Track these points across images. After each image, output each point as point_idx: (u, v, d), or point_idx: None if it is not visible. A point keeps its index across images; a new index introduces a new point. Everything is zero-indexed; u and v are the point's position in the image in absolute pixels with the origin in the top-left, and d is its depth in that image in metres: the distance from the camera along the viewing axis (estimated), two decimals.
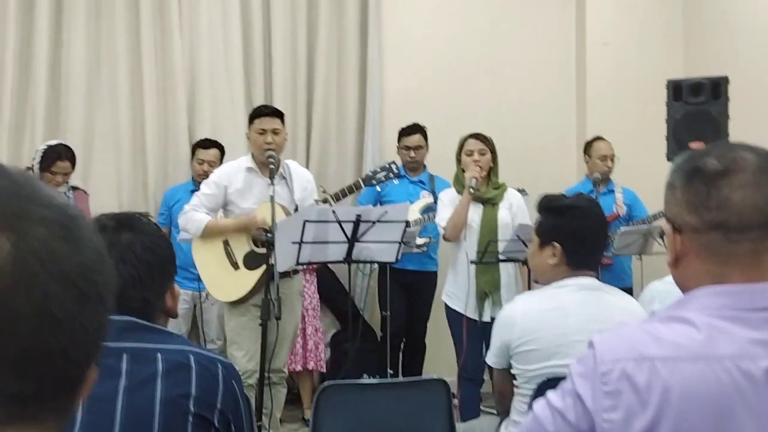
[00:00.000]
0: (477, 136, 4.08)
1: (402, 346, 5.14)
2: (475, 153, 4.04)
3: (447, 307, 4.14)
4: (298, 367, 4.93)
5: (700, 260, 1.26)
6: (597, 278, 2.46)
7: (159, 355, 1.46)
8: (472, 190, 3.93)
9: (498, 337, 2.45)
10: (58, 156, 4.50)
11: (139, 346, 1.46)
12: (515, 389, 2.50)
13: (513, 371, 2.46)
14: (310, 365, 4.98)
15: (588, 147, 5.14)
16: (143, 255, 1.51)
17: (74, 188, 4.68)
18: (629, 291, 4.90)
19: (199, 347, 1.58)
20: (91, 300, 0.66)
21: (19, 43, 5.05)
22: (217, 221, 3.88)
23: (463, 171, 4.08)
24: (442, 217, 4.06)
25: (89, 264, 0.66)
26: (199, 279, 4.68)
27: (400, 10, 5.63)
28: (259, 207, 3.83)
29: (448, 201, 4.10)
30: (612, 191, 5.05)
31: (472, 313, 4.00)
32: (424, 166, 5.18)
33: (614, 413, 1.19)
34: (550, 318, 2.35)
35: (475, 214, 3.99)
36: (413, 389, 2.51)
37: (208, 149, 4.97)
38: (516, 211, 4.07)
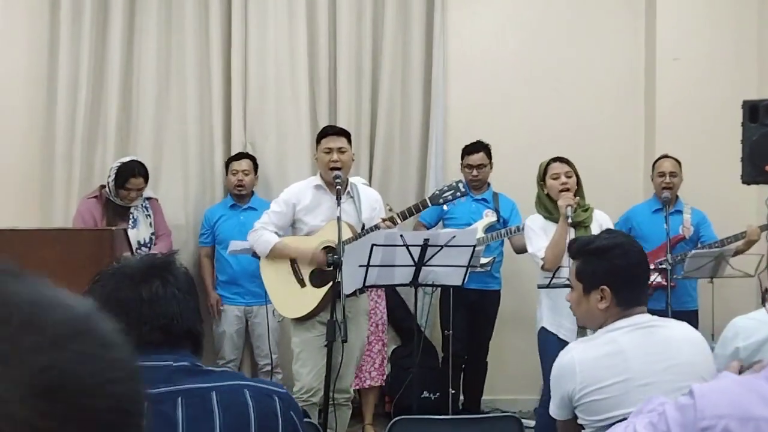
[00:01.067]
0: (561, 159, 4.01)
1: (463, 365, 5.10)
2: (561, 176, 3.96)
3: (544, 331, 4.00)
4: (366, 384, 4.94)
5: None
6: (648, 311, 2.39)
7: (213, 395, 1.44)
8: (570, 219, 3.84)
9: (558, 388, 2.37)
10: (132, 173, 4.61)
11: (192, 387, 1.45)
12: None
13: (580, 422, 2.39)
14: (378, 381, 4.99)
15: (654, 165, 5.05)
16: (189, 289, 1.56)
17: (149, 199, 4.80)
18: (694, 314, 4.79)
19: (251, 379, 1.54)
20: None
21: (93, 60, 5.21)
22: (284, 247, 3.91)
23: (547, 195, 3.99)
24: (538, 246, 3.96)
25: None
26: (249, 294, 4.78)
27: (465, 26, 5.61)
28: (327, 226, 3.86)
29: (539, 229, 4.00)
30: (680, 212, 4.94)
31: (572, 340, 3.88)
32: (488, 184, 5.14)
33: None
34: (610, 364, 2.26)
35: (569, 238, 3.91)
36: (485, 425, 2.47)
37: (239, 160, 5.04)
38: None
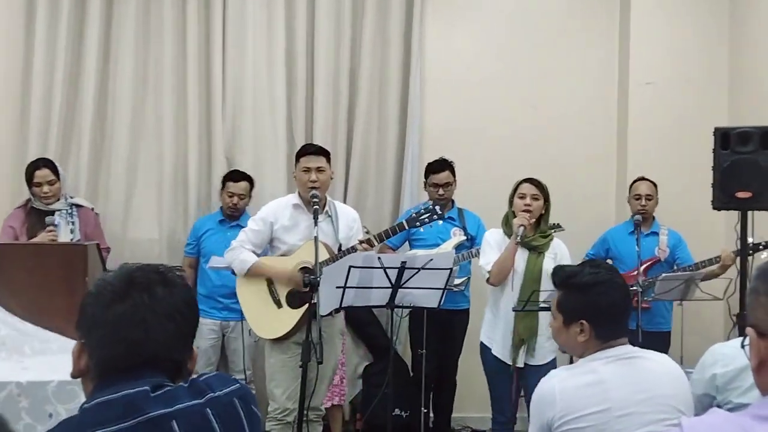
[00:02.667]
0: (531, 181, 4.05)
1: (432, 384, 5.12)
2: (527, 197, 4.01)
3: (483, 347, 4.12)
4: (335, 402, 4.93)
5: None
6: (630, 341, 2.41)
7: (174, 423, 1.38)
8: (518, 239, 3.91)
9: (538, 415, 2.36)
10: (36, 166, 4.53)
11: (153, 415, 1.38)
12: None
13: None
14: (336, 400, 4.99)
15: (630, 187, 5.13)
16: (185, 311, 1.46)
17: (79, 207, 4.66)
18: (667, 335, 4.86)
19: (209, 389, 1.47)
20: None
21: (68, 66, 5.17)
22: (261, 266, 3.92)
23: (514, 214, 4.06)
24: (488, 260, 4.03)
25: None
26: (226, 309, 4.76)
27: (442, 48, 5.66)
28: (303, 246, 3.87)
29: (495, 243, 4.07)
30: (656, 233, 5.01)
31: (504, 357, 3.98)
32: (453, 202, 5.17)
33: None
34: (590, 393, 2.28)
35: (521, 259, 3.96)
36: None
37: (237, 182, 5.01)
38: (560, 261, 4.04)
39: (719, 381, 2.41)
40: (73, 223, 4.59)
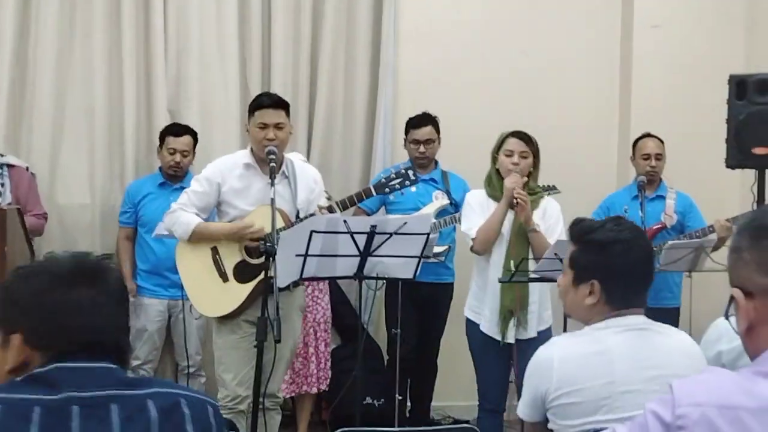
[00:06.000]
0: (519, 135, 3.98)
1: (411, 368, 5.09)
2: (514, 154, 3.95)
3: (469, 323, 4.09)
4: (303, 389, 4.89)
5: None
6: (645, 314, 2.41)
7: (150, 402, 1.50)
8: (513, 201, 3.86)
9: (531, 385, 2.38)
10: None
11: (126, 393, 1.51)
12: None
13: (551, 426, 2.40)
14: (323, 386, 4.96)
15: (634, 146, 5.10)
16: (122, 298, 1.59)
17: (10, 166, 4.58)
18: (675, 312, 4.86)
19: (185, 387, 1.65)
20: None
21: None
22: (207, 225, 3.86)
23: (498, 172, 4.00)
24: (471, 225, 3.98)
25: None
26: (174, 286, 4.66)
27: None
28: (255, 211, 3.79)
29: (477, 206, 4.02)
30: (662, 197, 4.99)
31: (492, 332, 3.96)
32: (436, 162, 5.11)
33: None
34: (593, 365, 2.27)
35: (506, 221, 3.93)
36: None
37: (179, 137, 4.90)
38: (549, 220, 4.01)
39: (725, 358, 2.41)
40: (2, 184, 4.51)
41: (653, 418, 1.27)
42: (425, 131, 4.99)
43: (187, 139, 4.91)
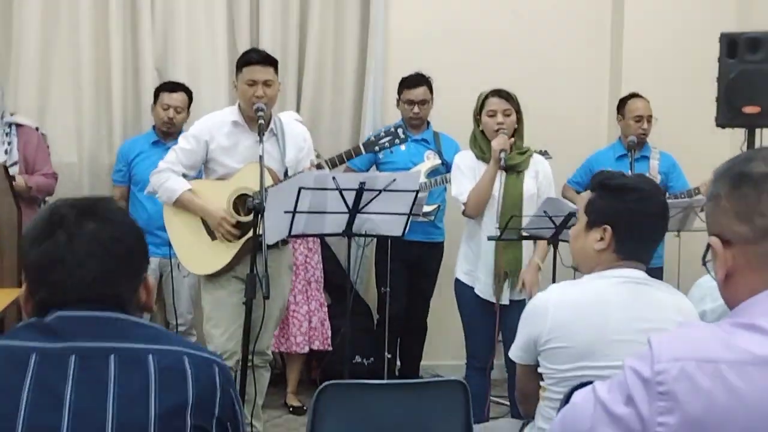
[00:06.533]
0: (500, 94, 3.97)
1: (400, 327, 5.12)
2: (498, 114, 3.95)
3: (459, 284, 4.10)
4: (292, 349, 4.91)
5: (755, 273, 1.30)
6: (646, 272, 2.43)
7: (151, 357, 1.48)
8: (503, 163, 3.85)
9: (525, 328, 2.43)
10: None
11: (127, 346, 1.48)
12: (542, 392, 2.48)
13: (540, 370, 2.44)
14: (316, 344, 4.97)
15: (622, 105, 5.08)
16: (113, 247, 1.51)
17: (19, 126, 4.55)
18: (658, 272, 4.87)
19: (191, 345, 1.58)
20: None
21: None
22: (191, 199, 3.83)
23: (483, 132, 3.99)
24: (462, 189, 3.98)
25: None
26: (165, 244, 4.64)
27: None
28: (243, 169, 3.79)
29: (467, 168, 4.02)
30: (647, 157, 4.99)
31: (487, 295, 3.98)
32: (428, 123, 5.10)
33: (669, 416, 1.22)
34: (588, 312, 2.31)
35: (497, 182, 3.93)
36: (427, 391, 2.47)
37: (173, 92, 4.88)
38: (542, 181, 4.02)
39: (710, 317, 2.44)
40: (9, 143, 4.47)
41: (633, 375, 1.26)
42: (419, 92, 4.96)
43: (181, 95, 4.89)
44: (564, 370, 2.34)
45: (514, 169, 3.96)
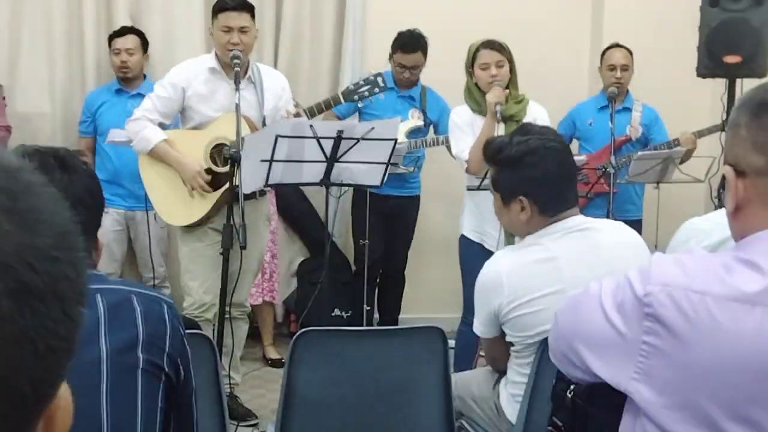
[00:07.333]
0: (492, 45, 3.87)
1: (378, 279, 5.12)
2: (491, 66, 3.85)
3: (465, 240, 4.02)
4: (260, 300, 4.91)
5: (765, 207, 1.27)
6: (581, 212, 2.41)
7: (98, 297, 1.49)
8: (499, 116, 3.78)
9: (483, 303, 2.39)
10: None
11: None
12: (513, 354, 2.46)
13: (508, 339, 2.41)
14: (268, 296, 4.97)
15: (602, 56, 5.05)
16: (82, 198, 1.52)
17: None
18: (637, 224, 4.87)
19: (139, 285, 1.64)
20: (38, 298, 0.54)
21: None
22: (167, 151, 3.76)
23: (476, 85, 3.91)
24: (463, 147, 3.88)
25: (42, 248, 0.55)
26: (132, 196, 4.62)
27: None
28: (220, 117, 3.73)
29: (465, 125, 3.93)
30: (629, 109, 4.98)
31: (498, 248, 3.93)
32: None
33: (653, 337, 1.24)
34: (541, 273, 2.29)
35: (496, 135, 3.88)
36: (404, 337, 2.46)
37: (124, 36, 4.82)
38: None
39: None
40: None
41: (628, 287, 1.28)
42: (414, 58, 4.79)
43: (131, 38, 4.81)
44: (532, 336, 2.33)
45: (512, 119, 3.87)
